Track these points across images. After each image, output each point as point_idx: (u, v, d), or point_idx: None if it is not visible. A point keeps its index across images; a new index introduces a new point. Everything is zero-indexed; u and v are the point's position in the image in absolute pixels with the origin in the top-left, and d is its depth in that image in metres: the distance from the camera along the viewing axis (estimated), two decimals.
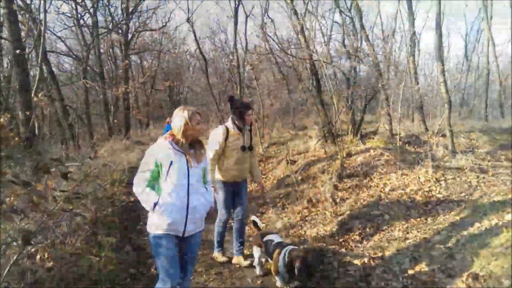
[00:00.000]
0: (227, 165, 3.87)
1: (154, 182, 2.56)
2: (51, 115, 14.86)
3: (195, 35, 13.97)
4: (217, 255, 4.19)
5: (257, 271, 3.80)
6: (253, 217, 4.20)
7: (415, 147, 7.27)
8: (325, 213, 5.26)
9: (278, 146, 9.84)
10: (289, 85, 12.96)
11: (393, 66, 8.45)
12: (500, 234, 3.27)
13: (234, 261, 4.10)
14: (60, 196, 2.24)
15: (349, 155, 7.02)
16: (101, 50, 18.43)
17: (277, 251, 3.37)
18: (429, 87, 12.79)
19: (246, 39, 12.78)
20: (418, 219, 4.42)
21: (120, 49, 20.62)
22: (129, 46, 19.53)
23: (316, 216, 5.30)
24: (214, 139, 3.85)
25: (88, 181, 5.06)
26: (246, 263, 4.02)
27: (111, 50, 20.53)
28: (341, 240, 4.39)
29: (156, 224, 2.52)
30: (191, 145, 2.64)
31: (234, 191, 4.04)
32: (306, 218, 5.32)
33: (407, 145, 7.37)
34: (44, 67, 12.05)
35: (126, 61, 18.11)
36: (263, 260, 3.80)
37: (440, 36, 7.44)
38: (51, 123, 15.87)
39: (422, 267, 3.31)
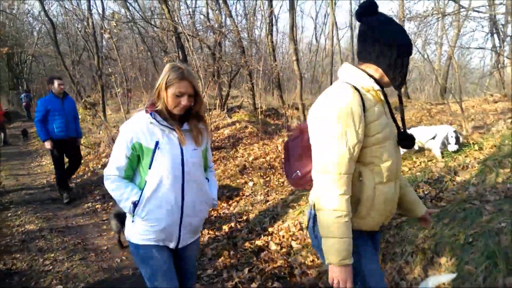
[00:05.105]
0: (376, 187, 1.47)
1: (132, 172, 1.83)
2: None
3: None
4: None
5: None
6: None
7: (274, 119, 8.06)
8: None
9: None
10: (155, 57, 12.39)
11: (254, 44, 8.98)
12: None
13: None
14: None
15: (217, 128, 7.31)
16: None
17: None
18: (286, 65, 14.11)
19: (102, 4, 11.53)
20: (277, 183, 4.99)
21: None
22: None
23: None
24: (334, 120, 1.39)
25: None
26: None
27: None
28: (210, 209, 4.61)
29: (139, 232, 1.80)
30: (185, 117, 1.84)
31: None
32: None
33: (267, 117, 8.09)
34: None
35: None
36: None
37: (293, 17, 8.21)
38: None
39: (280, 223, 3.81)
